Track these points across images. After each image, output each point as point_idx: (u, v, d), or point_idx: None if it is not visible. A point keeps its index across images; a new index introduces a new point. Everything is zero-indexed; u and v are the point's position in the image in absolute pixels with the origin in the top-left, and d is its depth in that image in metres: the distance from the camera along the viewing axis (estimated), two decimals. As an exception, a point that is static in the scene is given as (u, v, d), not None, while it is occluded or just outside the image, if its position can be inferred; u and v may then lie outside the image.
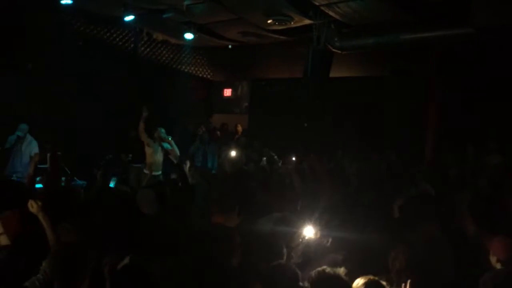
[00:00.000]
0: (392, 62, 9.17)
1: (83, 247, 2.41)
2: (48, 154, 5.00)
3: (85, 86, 8.35)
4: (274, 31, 9.09)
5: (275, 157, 8.45)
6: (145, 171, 7.31)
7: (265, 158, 8.11)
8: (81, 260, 2.30)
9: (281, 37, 9.41)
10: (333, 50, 8.55)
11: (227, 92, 12.46)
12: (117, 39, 9.73)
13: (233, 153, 8.74)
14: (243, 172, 6.21)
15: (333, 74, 9.45)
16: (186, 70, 11.63)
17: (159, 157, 7.35)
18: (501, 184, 5.19)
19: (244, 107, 12.18)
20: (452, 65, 8.28)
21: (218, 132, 10.59)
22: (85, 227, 2.84)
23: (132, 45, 10.04)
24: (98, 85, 8.56)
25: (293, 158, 8.61)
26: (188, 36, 9.40)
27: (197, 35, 9.41)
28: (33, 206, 2.77)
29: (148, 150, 7.26)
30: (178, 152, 6.94)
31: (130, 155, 8.10)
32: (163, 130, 7.34)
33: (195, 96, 11.65)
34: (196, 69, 12.02)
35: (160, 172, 7.38)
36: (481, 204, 3.90)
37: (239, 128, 11.00)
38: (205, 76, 12.32)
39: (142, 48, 10.34)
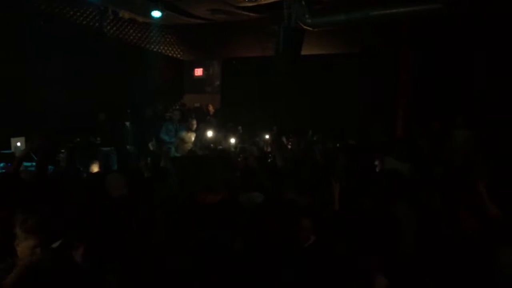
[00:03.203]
0: (363, 39, 9.19)
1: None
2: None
3: (49, 68, 8.00)
4: (245, 8, 8.93)
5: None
6: None
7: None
8: None
9: (252, 14, 9.25)
10: (304, 27, 8.46)
11: (198, 72, 12.26)
12: (81, 18, 9.33)
13: (209, 134, 8.70)
14: (223, 152, 6.22)
15: (304, 51, 9.38)
16: (155, 49, 11.32)
17: None
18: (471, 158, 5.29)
19: (216, 86, 12.03)
20: (421, 40, 8.37)
21: (193, 114, 10.46)
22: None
23: (97, 24, 9.65)
24: (63, 66, 8.23)
25: (267, 137, 8.64)
26: (156, 14, 9.12)
27: (165, 13, 9.14)
28: None
29: None
30: None
31: (99, 139, 7.89)
32: None
33: (165, 76, 11.38)
34: (166, 48, 11.73)
35: None
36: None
37: (211, 108, 10.88)
38: (175, 55, 12.05)
39: (108, 27, 9.97)
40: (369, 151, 6.24)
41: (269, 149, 8.05)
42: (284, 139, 8.45)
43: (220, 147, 7.99)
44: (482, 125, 7.03)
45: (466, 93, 7.82)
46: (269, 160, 6.44)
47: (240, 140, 8.89)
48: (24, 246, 2.35)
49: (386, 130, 8.64)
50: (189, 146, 7.76)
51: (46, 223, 2.44)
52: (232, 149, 7.95)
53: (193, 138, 8.00)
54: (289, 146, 8.18)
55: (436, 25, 7.82)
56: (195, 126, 8.09)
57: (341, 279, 2.21)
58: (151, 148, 6.33)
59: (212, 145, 8.45)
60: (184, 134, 8.04)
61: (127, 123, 8.70)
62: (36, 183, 3.57)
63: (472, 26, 7.46)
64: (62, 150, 7.15)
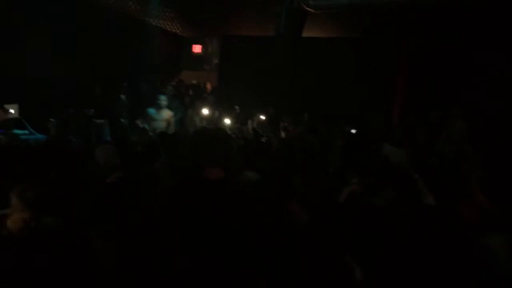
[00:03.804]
0: (365, 24, 9.09)
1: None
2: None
3: (45, 38, 7.84)
4: (247, -14, 8.79)
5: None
6: None
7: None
8: None
9: (254, -8, 9.12)
10: (307, 9, 8.35)
11: (197, 48, 12.12)
12: (79, -13, 9.12)
13: (205, 111, 8.64)
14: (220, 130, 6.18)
15: (305, 34, 9.29)
16: (154, 23, 11.14)
17: None
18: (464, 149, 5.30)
19: (214, 64, 11.91)
20: (424, 28, 8.29)
21: (191, 91, 10.37)
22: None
23: (96, -6, 9.45)
24: (60, 36, 8.06)
25: (262, 117, 8.62)
26: (156, -14, 8.96)
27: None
28: None
29: None
30: None
31: (93, 110, 7.81)
32: None
33: (163, 51, 11.23)
34: (165, 22, 11.54)
35: None
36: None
37: (208, 86, 10.79)
38: (174, 30, 11.87)
39: (107, -2, 9.78)
40: (366, 137, 6.24)
41: (263, 130, 8.05)
42: (282, 123, 8.44)
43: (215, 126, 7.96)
44: (480, 116, 7.03)
45: (465, 83, 7.79)
46: (263, 140, 6.43)
47: (236, 119, 8.86)
48: (17, 218, 2.32)
49: (383, 117, 8.63)
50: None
51: (46, 196, 2.42)
52: (227, 129, 7.90)
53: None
54: (285, 128, 8.17)
55: (439, 13, 7.74)
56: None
57: (317, 267, 2.22)
58: (139, 125, 6.30)
59: (205, 123, 8.42)
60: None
61: (123, 96, 8.63)
62: (25, 153, 3.55)
63: (475, 17, 7.39)
64: (51, 119, 7.07)
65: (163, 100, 7.62)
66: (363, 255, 2.41)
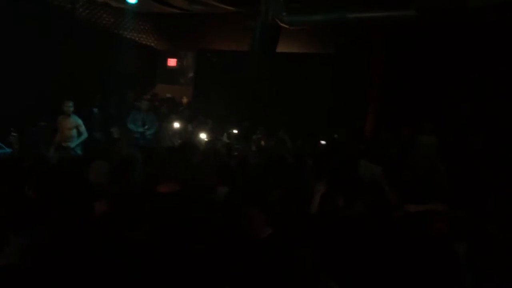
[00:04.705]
0: (338, 40, 9.28)
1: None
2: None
3: (18, 47, 7.69)
4: (222, 1, 8.85)
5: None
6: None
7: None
8: None
9: (229, 7, 9.18)
10: (281, 24, 8.46)
11: (172, 62, 12.08)
12: (53, -1, 9.02)
13: (176, 125, 8.59)
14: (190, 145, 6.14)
15: (279, 49, 9.39)
16: (128, 36, 11.06)
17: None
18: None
19: (189, 78, 11.88)
20: (394, 45, 8.53)
21: (165, 105, 10.29)
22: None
23: (69, 6, 9.35)
24: (33, 47, 7.91)
25: (235, 131, 8.63)
26: (131, 0, 8.93)
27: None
28: None
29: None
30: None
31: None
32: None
33: (138, 64, 11.15)
34: (139, 36, 11.48)
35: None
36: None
37: (184, 100, 10.76)
38: (148, 44, 11.81)
39: (80, 10, 9.67)
40: (340, 152, 6.31)
41: (236, 144, 8.07)
42: (255, 136, 8.47)
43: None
44: (449, 132, 7.24)
45: (435, 99, 8.02)
46: (235, 154, 6.44)
47: (209, 133, 8.83)
48: None
49: (356, 132, 8.76)
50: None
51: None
52: (202, 144, 7.87)
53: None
54: (257, 141, 8.21)
55: (409, 30, 7.98)
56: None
57: (284, 277, 2.21)
58: (114, 135, 6.19)
59: (177, 136, 8.37)
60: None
61: (95, 109, 8.48)
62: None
63: (445, 33, 7.65)
64: (14, 134, 6.88)
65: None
66: (339, 266, 2.42)
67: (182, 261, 2.26)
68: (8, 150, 6.62)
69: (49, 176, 3.63)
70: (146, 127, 8.21)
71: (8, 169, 3.66)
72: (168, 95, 11.33)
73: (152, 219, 2.52)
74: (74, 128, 7.12)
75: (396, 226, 2.97)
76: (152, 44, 11.91)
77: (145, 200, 2.81)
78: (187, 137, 8.41)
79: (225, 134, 8.84)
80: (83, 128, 7.18)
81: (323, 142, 7.70)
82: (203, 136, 8.40)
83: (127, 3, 9.12)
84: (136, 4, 9.12)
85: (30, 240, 2.32)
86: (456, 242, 2.52)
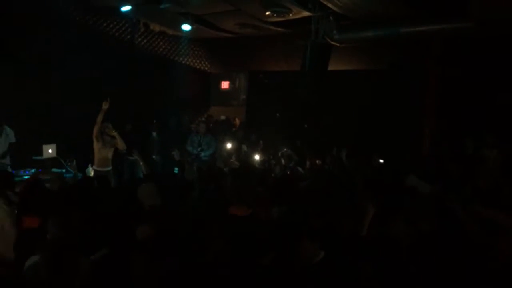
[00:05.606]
0: (391, 55, 9.11)
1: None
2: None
3: (81, 78, 8.23)
4: (272, 23, 9.01)
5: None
6: (94, 167, 6.92)
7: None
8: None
9: (279, 29, 9.32)
10: (332, 42, 8.48)
11: (225, 85, 12.38)
12: (114, 30, 9.61)
13: (228, 145, 8.78)
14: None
15: (331, 67, 9.38)
16: (183, 61, 11.53)
17: (108, 152, 7.05)
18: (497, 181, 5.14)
19: (242, 100, 12.11)
20: (451, 58, 8.24)
21: (220, 127, 10.54)
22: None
23: (128, 36, 9.93)
24: (95, 76, 8.44)
25: (288, 150, 8.66)
26: (185, 27, 9.31)
27: (194, 26, 9.31)
28: None
29: (96, 145, 6.92)
30: (124, 145, 6.93)
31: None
32: (110, 125, 7.02)
33: (192, 88, 11.56)
34: (194, 61, 11.93)
35: (110, 168, 7.06)
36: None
37: (237, 121, 10.96)
38: (202, 68, 12.23)
39: (139, 39, 10.24)
40: (395, 168, 6.15)
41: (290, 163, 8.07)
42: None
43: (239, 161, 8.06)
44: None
45: (494, 113, 7.62)
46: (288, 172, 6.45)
47: (263, 154, 8.92)
48: None
49: (412, 148, 8.50)
50: None
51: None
52: (257, 165, 7.94)
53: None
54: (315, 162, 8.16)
55: (467, 42, 7.71)
56: None
57: None
58: (175, 157, 6.40)
59: (233, 157, 8.52)
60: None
61: (154, 133, 8.87)
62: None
63: (504, 44, 7.32)
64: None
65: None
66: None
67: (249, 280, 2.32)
68: (79, 174, 6.99)
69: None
70: (200, 148, 8.45)
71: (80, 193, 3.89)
72: (223, 117, 11.59)
73: (222, 240, 2.59)
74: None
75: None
76: (206, 68, 12.32)
77: (215, 221, 2.88)
78: (242, 158, 8.55)
79: (279, 153, 8.88)
80: None
81: (381, 160, 7.49)
82: (257, 157, 8.51)
83: (182, 30, 9.53)
84: (190, 31, 9.50)
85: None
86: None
